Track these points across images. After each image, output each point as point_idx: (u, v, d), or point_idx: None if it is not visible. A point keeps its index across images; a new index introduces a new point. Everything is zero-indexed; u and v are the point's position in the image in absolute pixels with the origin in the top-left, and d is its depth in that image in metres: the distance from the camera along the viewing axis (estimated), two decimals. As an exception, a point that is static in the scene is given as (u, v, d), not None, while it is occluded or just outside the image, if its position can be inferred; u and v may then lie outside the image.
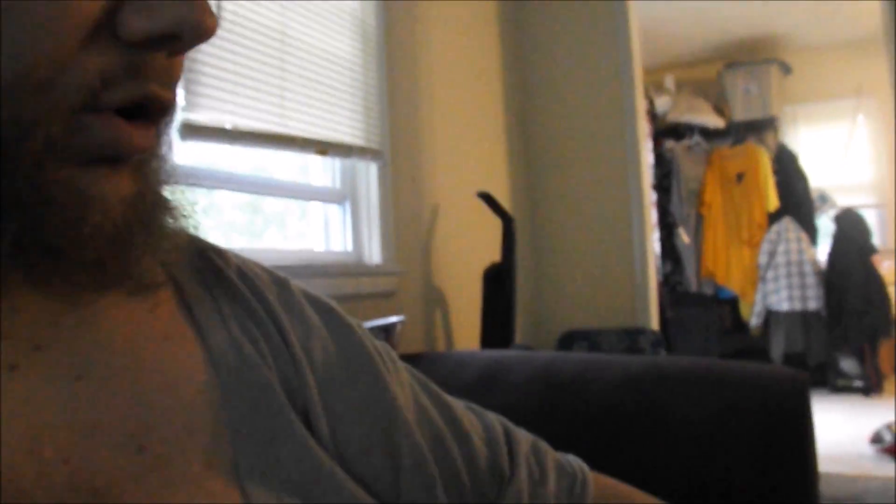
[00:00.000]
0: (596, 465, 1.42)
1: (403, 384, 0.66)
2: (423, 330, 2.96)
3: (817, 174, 6.95)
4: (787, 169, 6.67)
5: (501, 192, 3.75)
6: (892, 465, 4.14)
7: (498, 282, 3.10)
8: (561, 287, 4.11)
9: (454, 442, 0.65)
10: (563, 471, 0.74)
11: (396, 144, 2.84)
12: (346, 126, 2.58)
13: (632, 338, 3.43)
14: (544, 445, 0.77)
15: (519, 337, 3.73)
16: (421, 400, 0.66)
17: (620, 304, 4.00)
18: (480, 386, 1.57)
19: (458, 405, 0.71)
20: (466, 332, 3.22)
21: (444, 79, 3.28)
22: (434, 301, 3.07)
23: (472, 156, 3.55)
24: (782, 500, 1.27)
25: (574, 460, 0.78)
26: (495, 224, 3.20)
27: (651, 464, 1.32)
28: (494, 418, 0.75)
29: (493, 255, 3.18)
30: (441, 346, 3.08)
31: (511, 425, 0.76)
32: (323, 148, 2.41)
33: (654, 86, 6.93)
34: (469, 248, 3.35)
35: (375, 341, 0.65)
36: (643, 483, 1.36)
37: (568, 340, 3.67)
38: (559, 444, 1.47)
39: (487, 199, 3.18)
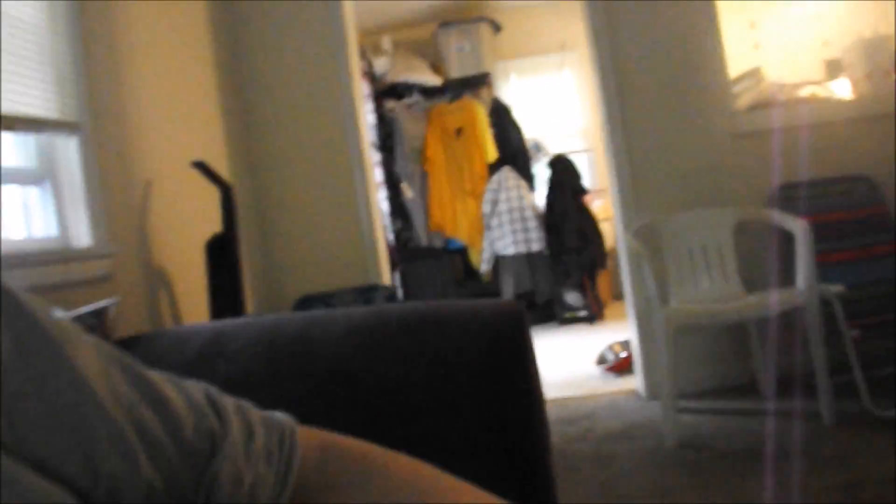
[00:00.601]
0: (329, 419, 1.40)
1: (90, 360, 0.59)
2: (146, 310, 2.79)
3: (531, 125, 7.36)
4: (503, 121, 6.99)
5: (219, 160, 3.60)
6: (616, 380, 4.52)
7: (222, 252, 2.98)
8: (292, 252, 4.05)
9: (153, 411, 0.60)
10: (269, 424, 0.70)
11: (99, 118, 2.61)
12: (35, 98, 2.34)
13: (366, 295, 3.45)
14: (248, 405, 0.72)
15: (253, 307, 3.63)
16: (112, 374, 0.60)
17: (352, 263, 4.01)
18: (203, 359, 1.48)
19: (157, 376, 0.65)
20: (195, 307, 3.08)
21: (148, 46, 3.07)
22: (157, 279, 2.90)
23: (185, 126, 3.38)
24: (511, 427, 1.31)
25: (280, 415, 0.74)
26: (215, 194, 3.07)
27: (381, 410, 1.31)
28: (194, 385, 0.70)
29: (215, 226, 3.06)
30: (169, 324, 2.92)
31: (213, 389, 0.71)
32: (8, 123, 2.17)
33: (372, 47, 6.97)
34: (189, 220, 3.19)
35: (60, 321, 0.58)
36: (376, 431, 1.36)
37: (304, 305, 3.63)
38: (290, 406, 1.43)
39: (203, 168, 3.04)
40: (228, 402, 0.71)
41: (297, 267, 4.02)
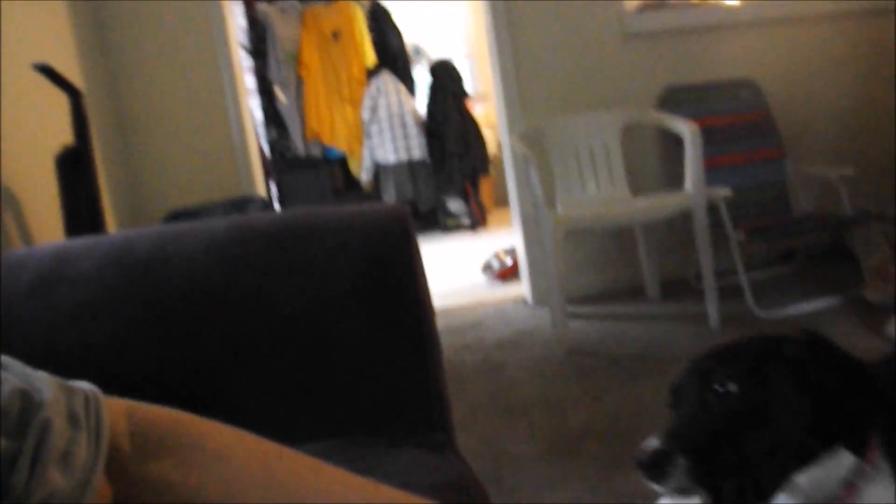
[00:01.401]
0: (189, 343, 1.23)
1: None
2: (-10, 234, 2.50)
3: (411, 28, 7.09)
4: (382, 24, 6.71)
5: (69, 64, 3.25)
6: (502, 287, 4.47)
7: (76, 167, 2.70)
8: (158, 165, 3.75)
9: None
10: (69, 389, 0.55)
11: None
12: None
13: (239, 209, 3.23)
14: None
15: (115, 226, 3.36)
16: None
17: (224, 175, 3.76)
18: (43, 285, 1.27)
19: None
20: (49, 229, 2.79)
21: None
22: (1, 198, 2.60)
23: (25, 24, 3.01)
24: (397, 332, 1.18)
25: (82, 383, 0.59)
26: (64, 102, 2.76)
27: (248, 332, 1.15)
28: None
29: (66, 136, 2.76)
30: (20, 247, 2.64)
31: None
32: None
33: (237, -57, 6.52)
34: (35, 131, 2.87)
35: None
36: (243, 355, 1.20)
37: (173, 221, 3.37)
38: (142, 332, 1.24)
39: (48, 72, 2.71)
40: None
41: (165, 181, 3.73)
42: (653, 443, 0.87)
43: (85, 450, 0.52)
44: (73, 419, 0.53)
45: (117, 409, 0.59)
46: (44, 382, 0.55)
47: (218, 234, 1.19)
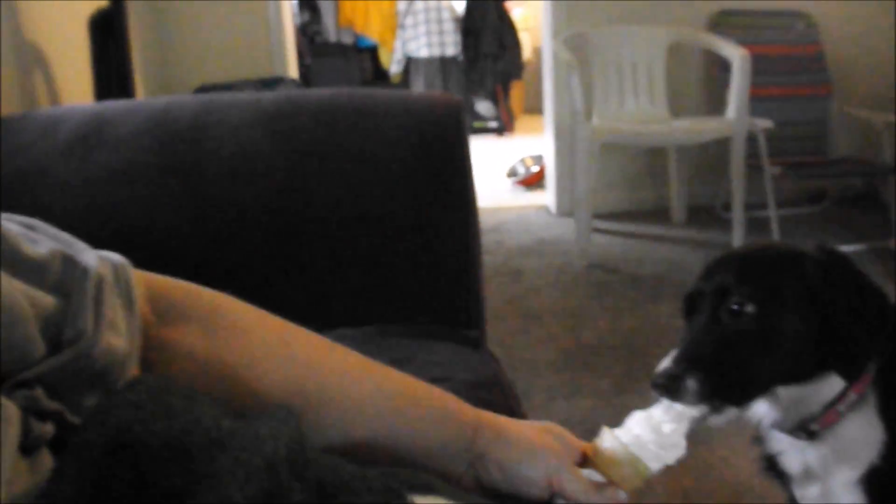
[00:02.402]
0: (226, 220, 1.21)
1: None
2: (18, 94, 2.46)
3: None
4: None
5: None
6: (526, 194, 4.42)
7: (108, 31, 2.63)
8: (189, 36, 3.66)
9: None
10: (102, 258, 0.53)
11: None
12: None
13: (270, 87, 3.17)
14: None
15: (144, 94, 3.31)
16: None
17: (256, 53, 3.68)
18: (79, 145, 1.24)
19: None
20: (76, 90, 2.75)
21: None
22: (30, 58, 2.55)
23: None
24: (442, 223, 1.15)
25: (108, 253, 0.57)
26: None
27: (292, 212, 1.12)
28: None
29: (100, -2, 2.68)
30: (46, 105, 2.60)
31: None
32: None
33: None
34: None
35: None
36: (285, 235, 1.18)
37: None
38: (179, 201, 1.22)
39: (85, -71, 2.62)
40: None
41: (196, 55, 3.66)
42: (667, 362, 0.85)
43: (123, 320, 0.51)
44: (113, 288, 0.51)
45: (138, 278, 0.57)
46: (81, 248, 0.53)
47: (265, 107, 1.15)
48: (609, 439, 0.70)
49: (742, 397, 0.90)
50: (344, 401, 0.60)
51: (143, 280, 0.58)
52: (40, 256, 0.48)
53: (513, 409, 0.98)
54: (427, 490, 0.49)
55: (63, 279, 0.48)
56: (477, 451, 0.63)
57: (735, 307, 0.88)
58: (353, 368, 0.62)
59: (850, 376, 0.91)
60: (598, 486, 0.67)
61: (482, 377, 1.02)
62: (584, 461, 0.69)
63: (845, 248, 3.14)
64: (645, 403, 2.22)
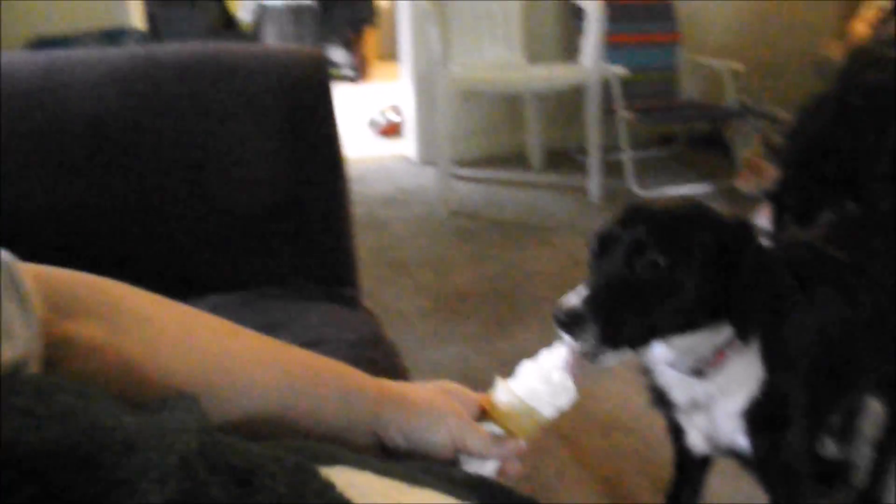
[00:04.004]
0: (84, 185, 1.13)
1: None
2: None
3: None
4: None
5: None
6: (386, 144, 4.39)
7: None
8: (19, -16, 3.41)
9: None
10: None
11: None
12: None
13: (114, 40, 3.00)
14: None
15: (-28, 48, 3.06)
16: None
17: (94, 2, 3.46)
18: None
19: None
20: None
21: None
22: None
23: None
24: (311, 181, 1.13)
25: None
26: None
27: (156, 175, 1.07)
28: None
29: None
30: None
31: None
32: None
33: None
34: None
35: None
36: (152, 190, 1.12)
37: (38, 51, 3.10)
38: (31, 169, 1.14)
39: None
40: None
41: (24, 3, 3.40)
42: (573, 299, 0.88)
43: (19, 318, 0.47)
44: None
45: (29, 272, 0.52)
46: None
47: (120, 66, 1.08)
48: (504, 392, 0.72)
49: (639, 342, 0.94)
50: (250, 386, 0.58)
51: (34, 273, 0.53)
52: None
53: (396, 366, 0.99)
54: (333, 461, 0.49)
55: None
56: (381, 423, 0.64)
57: (648, 259, 0.91)
58: (258, 352, 0.60)
59: (744, 336, 0.97)
60: (499, 439, 0.69)
61: (363, 336, 1.01)
62: (483, 415, 0.71)
63: (694, 188, 3.33)
64: (515, 346, 2.27)
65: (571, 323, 0.86)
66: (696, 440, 1.15)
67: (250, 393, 0.58)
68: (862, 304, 1.12)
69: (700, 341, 0.99)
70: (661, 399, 1.15)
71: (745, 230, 0.96)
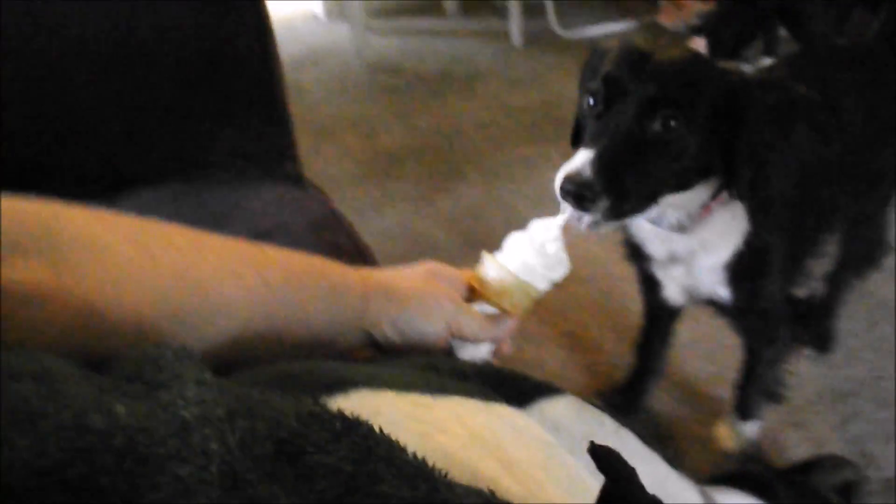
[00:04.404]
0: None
1: None
2: None
3: None
4: None
5: None
6: (290, 1, 4.13)
7: None
8: None
9: None
10: None
11: None
12: None
13: None
14: None
15: None
16: None
17: None
18: None
19: None
20: None
21: None
22: None
23: None
24: (242, 46, 1.00)
25: None
26: None
27: (76, 49, 0.92)
28: None
29: None
30: None
31: None
32: None
33: None
34: None
35: None
36: (69, 78, 0.97)
37: None
38: None
39: None
40: None
41: None
42: (580, 163, 0.78)
43: None
44: None
45: None
46: None
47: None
48: (494, 269, 0.66)
49: (643, 209, 0.86)
50: (227, 304, 0.48)
51: None
52: None
53: (359, 246, 0.90)
54: (346, 385, 0.40)
55: None
56: (371, 319, 0.56)
57: (662, 119, 0.81)
58: (230, 262, 0.49)
59: (742, 192, 0.89)
60: (493, 319, 0.64)
61: (317, 217, 0.91)
62: (472, 294, 0.66)
63: (617, 26, 3.22)
64: (457, 203, 2.19)
65: (582, 196, 0.77)
66: (674, 292, 1.11)
67: (229, 311, 0.48)
68: (834, 143, 1.07)
69: (690, 198, 0.92)
70: (636, 253, 1.09)
71: (749, 84, 0.86)
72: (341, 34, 3.37)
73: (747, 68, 2.45)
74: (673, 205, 0.93)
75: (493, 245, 0.67)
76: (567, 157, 0.83)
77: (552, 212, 0.75)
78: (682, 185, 0.88)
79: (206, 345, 0.46)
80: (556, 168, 0.80)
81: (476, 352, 0.66)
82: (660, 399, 1.45)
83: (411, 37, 3.40)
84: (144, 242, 0.46)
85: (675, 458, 1.36)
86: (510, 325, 0.65)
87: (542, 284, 0.66)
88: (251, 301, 0.49)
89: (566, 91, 2.68)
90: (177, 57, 0.94)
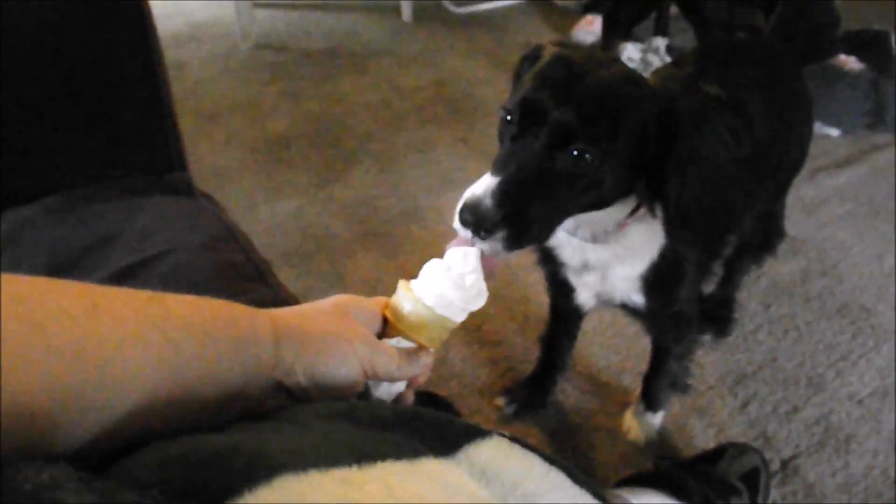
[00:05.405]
0: None
1: None
2: None
3: None
4: None
5: None
6: None
7: None
8: None
9: None
10: None
11: None
12: None
13: None
14: None
15: None
16: None
17: None
18: None
19: None
20: None
21: None
22: None
23: None
24: (121, 44, 0.92)
25: None
26: None
27: None
28: None
29: None
30: None
31: None
32: None
33: None
34: None
35: None
36: None
37: None
38: None
39: None
40: None
41: None
42: (480, 190, 0.73)
43: None
44: None
45: None
46: None
47: None
48: (411, 302, 0.62)
49: (544, 238, 0.82)
50: (131, 375, 0.41)
51: None
52: None
53: (256, 264, 0.84)
54: (268, 473, 0.37)
55: None
56: (283, 368, 0.52)
57: (575, 153, 0.76)
58: (131, 325, 0.42)
59: (667, 215, 0.85)
60: (409, 355, 0.61)
61: (213, 233, 0.85)
62: (387, 326, 0.62)
63: (509, 3, 3.19)
64: (351, 189, 2.13)
65: (479, 225, 0.73)
66: (586, 298, 1.09)
67: (134, 382, 0.42)
68: (745, 144, 1.06)
69: (604, 216, 0.88)
70: (547, 258, 1.07)
71: (680, 104, 0.82)
72: (224, 7, 3.23)
73: (651, 58, 2.48)
74: (586, 220, 0.90)
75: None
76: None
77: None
78: (596, 206, 0.85)
79: (111, 422, 0.41)
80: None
81: (391, 389, 0.63)
82: (565, 392, 1.45)
83: (297, 10, 3.29)
84: (29, 313, 0.39)
85: (584, 452, 1.37)
86: (426, 361, 0.62)
87: (459, 317, 0.63)
88: (157, 366, 0.43)
89: (459, 69, 2.64)
90: (56, 65, 0.85)
